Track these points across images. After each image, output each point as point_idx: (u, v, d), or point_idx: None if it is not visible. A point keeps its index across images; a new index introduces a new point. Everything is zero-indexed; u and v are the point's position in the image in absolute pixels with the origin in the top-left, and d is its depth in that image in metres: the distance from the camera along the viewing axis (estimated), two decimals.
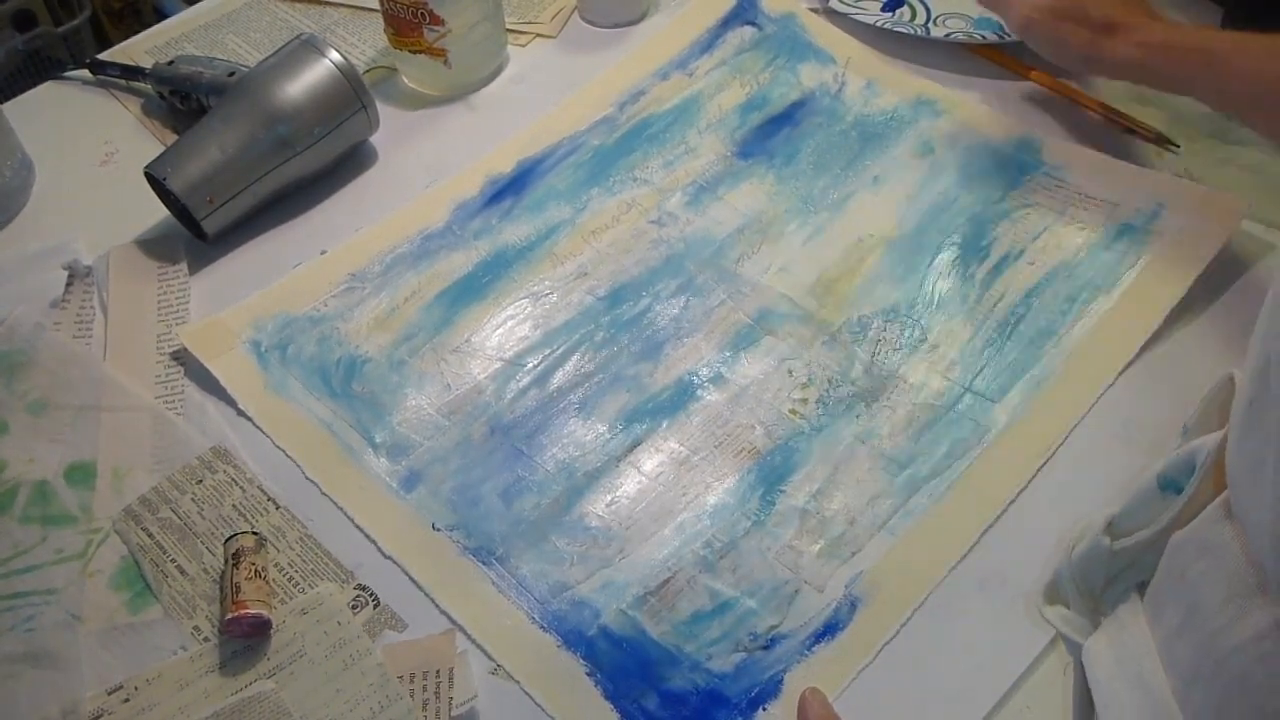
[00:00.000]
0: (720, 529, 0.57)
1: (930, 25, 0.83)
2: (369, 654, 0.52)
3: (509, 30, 0.87)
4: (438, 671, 0.52)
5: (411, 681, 0.51)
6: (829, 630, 0.53)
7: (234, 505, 0.59)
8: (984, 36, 0.81)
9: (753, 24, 0.86)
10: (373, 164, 0.79)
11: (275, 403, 0.63)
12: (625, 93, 0.81)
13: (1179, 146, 0.73)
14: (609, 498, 0.59)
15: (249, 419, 0.62)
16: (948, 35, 0.82)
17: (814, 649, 0.52)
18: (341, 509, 0.58)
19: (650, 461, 0.60)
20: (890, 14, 0.85)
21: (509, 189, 0.75)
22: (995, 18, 0.79)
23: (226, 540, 0.55)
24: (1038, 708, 0.51)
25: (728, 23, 0.86)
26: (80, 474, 0.60)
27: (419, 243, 0.71)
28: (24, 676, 0.52)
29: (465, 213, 0.73)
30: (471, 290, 0.69)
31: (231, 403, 0.63)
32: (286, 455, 0.60)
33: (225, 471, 0.60)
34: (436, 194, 0.75)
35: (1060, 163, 0.73)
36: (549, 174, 0.75)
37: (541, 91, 0.83)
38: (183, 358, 0.66)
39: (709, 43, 0.85)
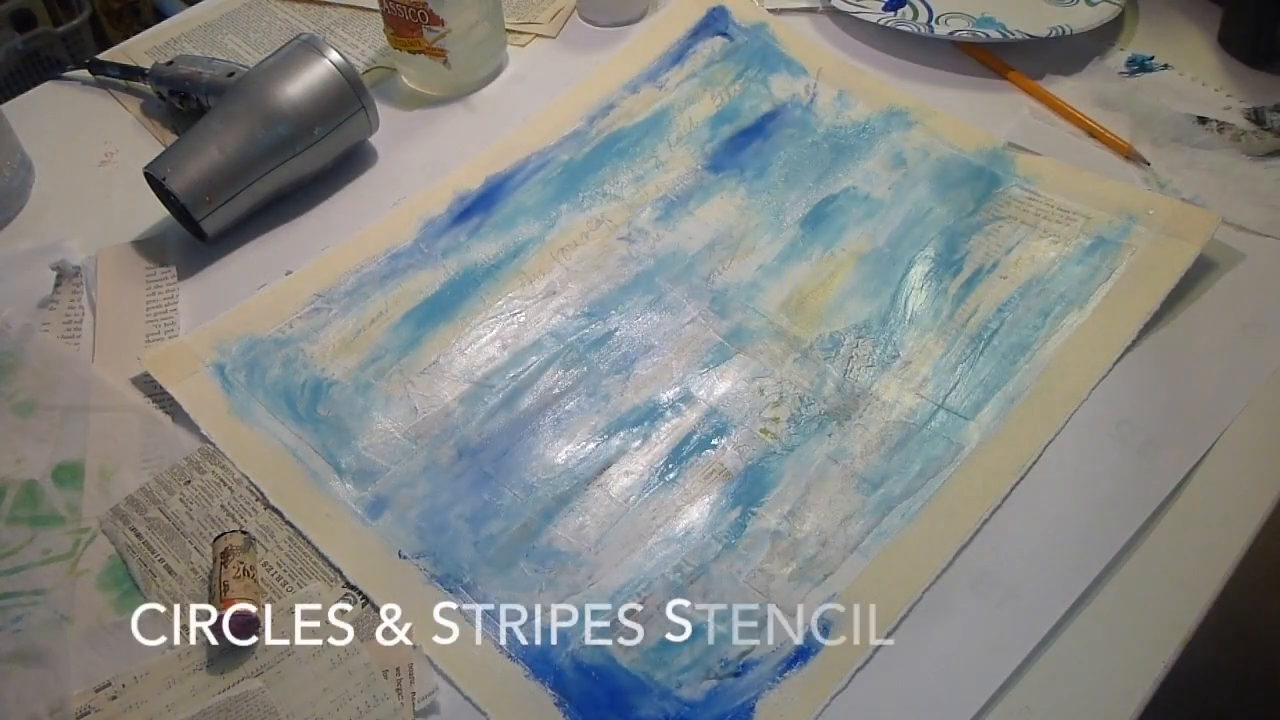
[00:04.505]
0: (691, 553, 0.56)
1: (933, 24, 0.83)
2: (356, 653, 0.52)
3: (508, 30, 0.87)
4: (398, 669, 0.52)
5: None
6: (801, 656, 0.52)
7: (222, 506, 0.58)
8: (987, 35, 0.81)
9: (723, 34, 0.85)
10: (372, 164, 0.79)
11: (239, 428, 0.62)
12: (594, 106, 0.80)
13: (1149, 165, 0.73)
14: (579, 522, 0.58)
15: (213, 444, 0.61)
16: (951, 34, 0.82)
17: (785, 675, 0.52)
18: (306, 537, 0.57)
19: (620, 484, 0.59)
20: (892, 13, 0.85)
21: (477, 206, 0.74)
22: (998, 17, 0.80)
23: (215, 539, 0.55)
24: (1038, 707, 0.50)
25: (698, 33, 0.85)
26: (68, 474, 0.60)
27: (386, 261, 0.70)
28: (12, 675, 0.52)
29: (433, 230, 0.72)
30: (439, 310, 0.68)
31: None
32: (250, 481, 0.59)
33: (213, 472, 0.60)
34: (404, 211, 0.74)
35: (1033, 174, 0.73)
36: (518, 190, 0.75)
37: (541, 92, 0.83)
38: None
39: (679, 54, 0.84)
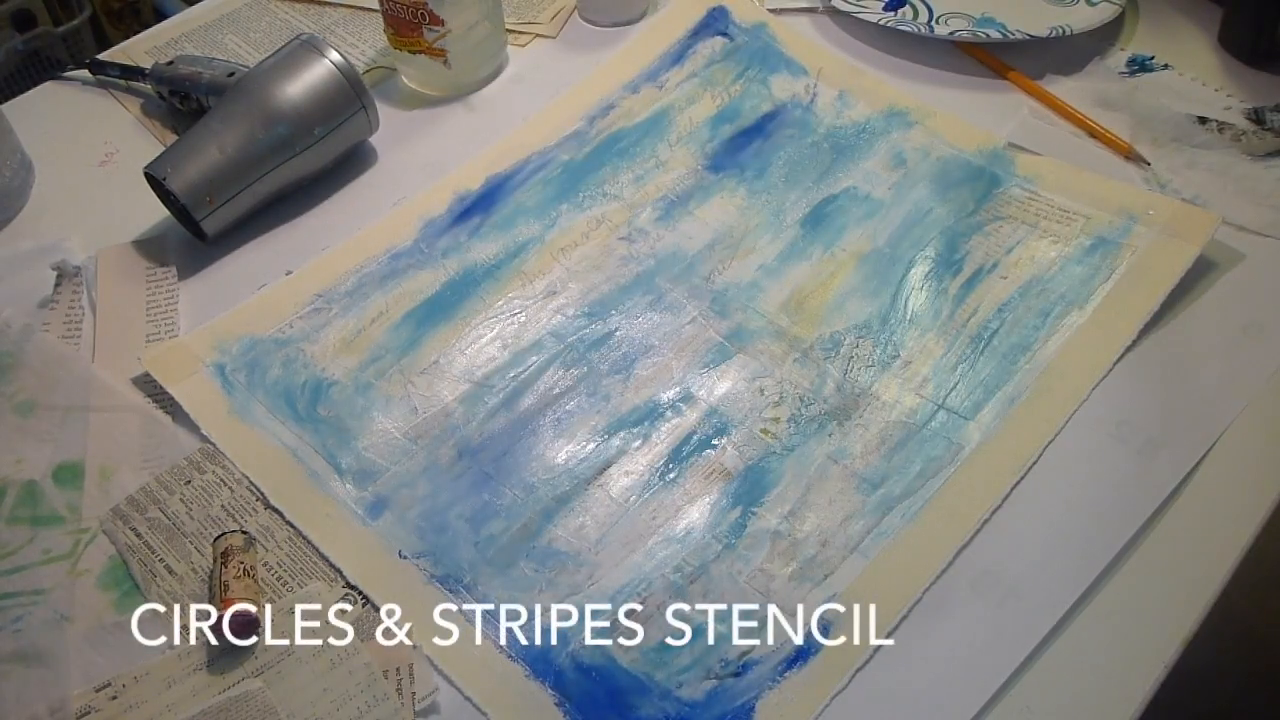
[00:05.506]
0: (691, 553, 0.56)
1: (933, 24, 0.83)
2: (356, 653, 0.52)
3: (509, 30, 0.87)
4: (399, 669, 0.52)
5: None
6: (801, 656, 0.52)
7: (222, 506, 0.59)
8: (987, 35, 0.81)
9: (724, 34, 0.85)
10: (372, 164, 0.79)
11: (239, 428, 0.62)
12: (594, 106, 0.80)
13: (1150, 165, 0.73)
14: (579, 522, 0.58)
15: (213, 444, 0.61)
16: (951, 34, 0.82)
17: (785, 675, 0.52)
18: (306, 537, 0.57)
19: (620, 484, 0.59)
20: (892, 13, 0.85)
21: (477, 206, 0.74)
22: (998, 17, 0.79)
23: (215, 539, 0.55)
24: (1038, 707, 0.50)
25: (698, 33, 0.85)
26: (68, 474, 0.60)
27: (386, 261, 0.70)
28: (12, 675, 0.52)
29: (433, 230, 0.72)
30: (440, 310, 0.68)
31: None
32: (250, 481, 0.59)
33: (214, 472, 0.60)
34: (404, 211, 0.74)
35: (1033, 174, 0.73)
36: (518, 190, 0.75)
37: (541, 92, 0.83)
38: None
39: (679, 54, 0.84)
